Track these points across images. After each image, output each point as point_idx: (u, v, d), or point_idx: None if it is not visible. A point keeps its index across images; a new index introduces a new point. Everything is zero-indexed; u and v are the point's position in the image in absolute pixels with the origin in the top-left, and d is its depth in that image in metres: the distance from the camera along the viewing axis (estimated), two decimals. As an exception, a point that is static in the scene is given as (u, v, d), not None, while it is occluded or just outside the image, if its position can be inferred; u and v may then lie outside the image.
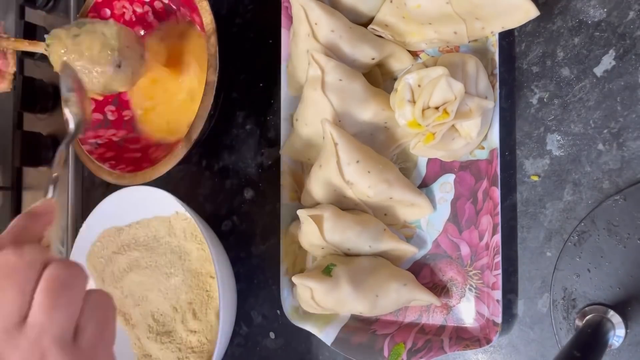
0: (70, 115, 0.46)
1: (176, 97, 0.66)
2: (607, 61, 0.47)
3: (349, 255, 0.52)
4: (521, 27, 0.49)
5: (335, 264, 0.50)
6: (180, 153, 0.56)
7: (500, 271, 0.47)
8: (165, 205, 0.61)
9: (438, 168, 0.52)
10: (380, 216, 0.52)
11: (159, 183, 0.69)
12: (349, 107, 0.49)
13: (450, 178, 0.51)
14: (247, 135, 0.63)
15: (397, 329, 0.52)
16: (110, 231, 0.66)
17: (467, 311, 0.50)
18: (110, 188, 0.73)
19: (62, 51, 0.54)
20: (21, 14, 0.79)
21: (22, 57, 0.78)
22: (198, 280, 0.62)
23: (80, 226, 0.64)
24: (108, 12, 0.66)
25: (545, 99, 0.49)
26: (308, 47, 0.50)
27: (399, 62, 0.53)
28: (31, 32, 0.78)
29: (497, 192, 0.47)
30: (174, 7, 0.65)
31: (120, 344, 0.61)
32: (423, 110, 0.46)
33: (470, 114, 0.45)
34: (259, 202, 0.62)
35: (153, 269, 0.65)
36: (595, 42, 0.47)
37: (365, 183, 0.48)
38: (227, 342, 0.58)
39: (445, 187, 0.51)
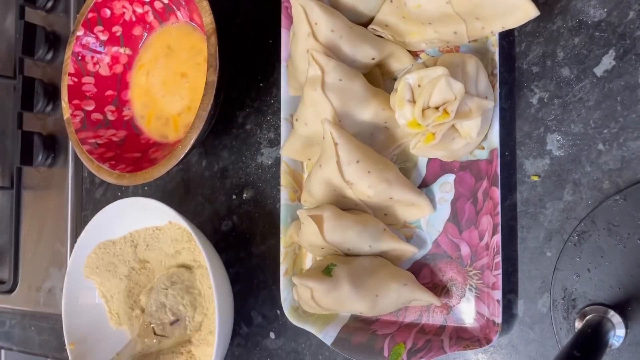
0: None
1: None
2: (607, 61, 0.47)
3: (349, 255, 0.52)
4: (521, 27, 0.49)
5: (335, 264, 0.50)
6: (180, 153, 0.56)
7: (500, 271, 0.47)
8: (157, 215, 0.61)
9: (438, 168, 0.52)
10: (380, 216, 0.52)
11: (158, 183, 0.69)
12: (349, 107, 0.49)
13: (450, 178, 0.51)
14: (247, 135, 0.63)
15: (397, 329, 0.52)
16: (105, 243, 0.65)
17: (467, 311, 0.50)
18: (110, 188, 0.74)
19: None
20: (21, 14, 0.79)
21: (22, 56, 0.78)
22: (193, 289, 0.62)
23: (80, 226, 0.64)
24: (108, 12, 0.66)
25: (545, 99, 0.49)
26: (308, 47, 0.50)
27: (399, 62, 0.53)
28: (31, 32, 0.78)
29: (497, 192, 0.47)
30: (174, 7, 0.65)
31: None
32: (423, 110, 0.46)
33: (470, 114, 0.45)
34: (259, 202, 0.62)
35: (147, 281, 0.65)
36: (595, 42, 0.47)
37: (365, 183, 0.48)
38: (225, 351, 0.58)
39: (445, 187, 0.51)
